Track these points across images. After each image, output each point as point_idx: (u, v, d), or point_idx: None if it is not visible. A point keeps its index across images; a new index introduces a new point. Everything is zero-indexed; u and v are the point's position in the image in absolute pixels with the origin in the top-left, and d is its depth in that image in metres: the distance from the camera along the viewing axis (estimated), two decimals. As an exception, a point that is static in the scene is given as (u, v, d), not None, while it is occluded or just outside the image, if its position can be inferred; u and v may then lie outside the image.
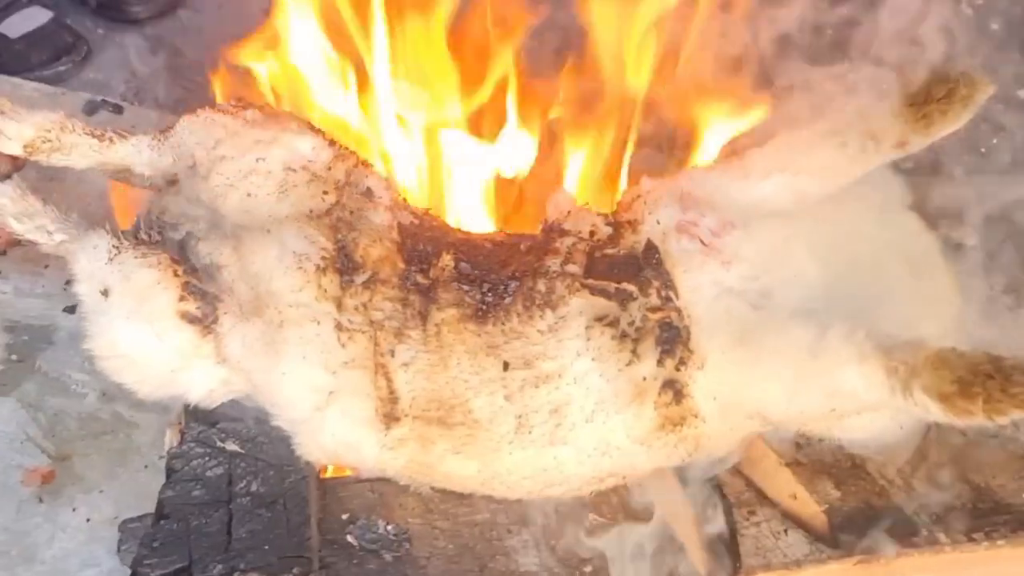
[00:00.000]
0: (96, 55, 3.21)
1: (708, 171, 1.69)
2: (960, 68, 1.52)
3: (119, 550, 1.78)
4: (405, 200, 1.81)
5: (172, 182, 1.76)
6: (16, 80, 2.83)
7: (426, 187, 2.16)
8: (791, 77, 1.88)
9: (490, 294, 1.62)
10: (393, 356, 1.59)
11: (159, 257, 1.66)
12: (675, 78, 2.09)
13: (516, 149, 2.11)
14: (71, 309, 2.23)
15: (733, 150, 1.86)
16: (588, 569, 1.62)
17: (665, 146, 2.22)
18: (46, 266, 2.33)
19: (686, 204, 1.63)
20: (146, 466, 2.01)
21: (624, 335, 1.55)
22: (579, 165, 2.12)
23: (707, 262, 1.58)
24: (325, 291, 1.60)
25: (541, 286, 1.60)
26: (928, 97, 1.50)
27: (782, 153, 1.62)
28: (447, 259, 1.66)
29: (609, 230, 1.68)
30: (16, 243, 2.00)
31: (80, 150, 1.77)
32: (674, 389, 1.54)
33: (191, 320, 1.65)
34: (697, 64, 2.08)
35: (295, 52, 2.08)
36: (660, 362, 1.54)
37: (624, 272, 1.61)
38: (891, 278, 1.60)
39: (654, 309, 1.56)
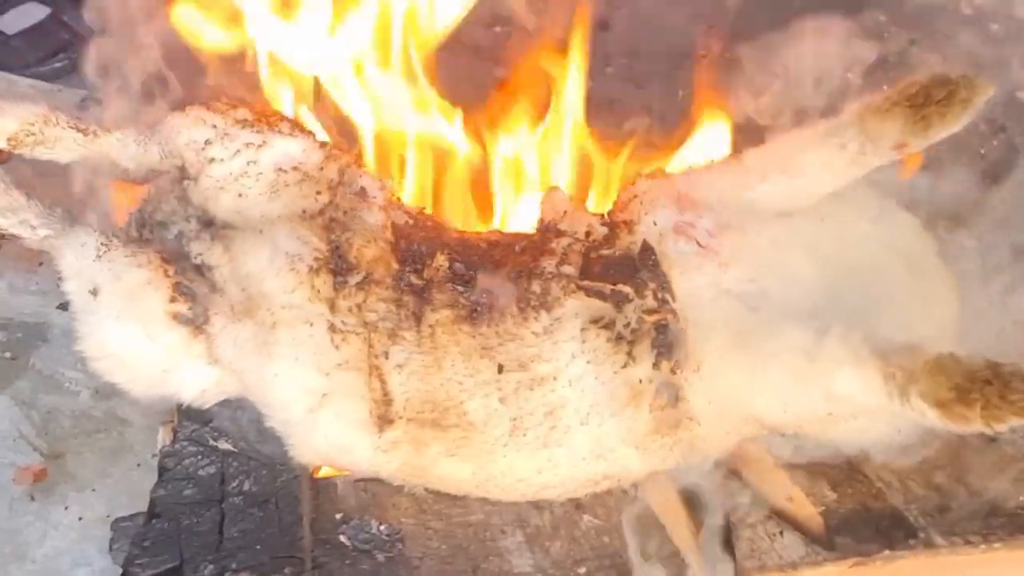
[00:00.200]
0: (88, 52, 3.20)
1: (705, 172, 1.68)
2: (960, 70, 1.51)
3: (111, 549, 1.78)
4: (399, 199, 1.80)
5: (175, 180, 1.75)
6: (12, 76, 2.82)
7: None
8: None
9: (484, 295, 1.61)
10: (387, 358, 1.58)
11: (149, 256, 1.65)
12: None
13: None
14: (65, 306, 2.20)
15: (731, 151, 1.85)
16: (582, 571, 1.61)
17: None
18: (40, 263, 2.33)
19: (683, 205, 1.63)
20: (139, 464, 2.01)
21: (620, 337, 1.54)
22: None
23: (704, 264, 1.57)
24: (318, 292, 1.59)
25: (536, 287, 1.59)
26: (927, 99, 1.48)
27: (780, 154, 1.61)
28: (441, 259, 1.65)
29: (605, 231, 1.67)
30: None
31: (64, 143, 1.75)
32: (669, 392, 1.53)
33: (182, 321, 1.64)
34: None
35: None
36: (656, 365, 1.53)
37: (620, 273, 1.60)
38: (889, 279, 1.59)
39: (650, 311, 1.55)
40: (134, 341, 1.64)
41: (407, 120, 2.05)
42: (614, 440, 1.56)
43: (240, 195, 1.69)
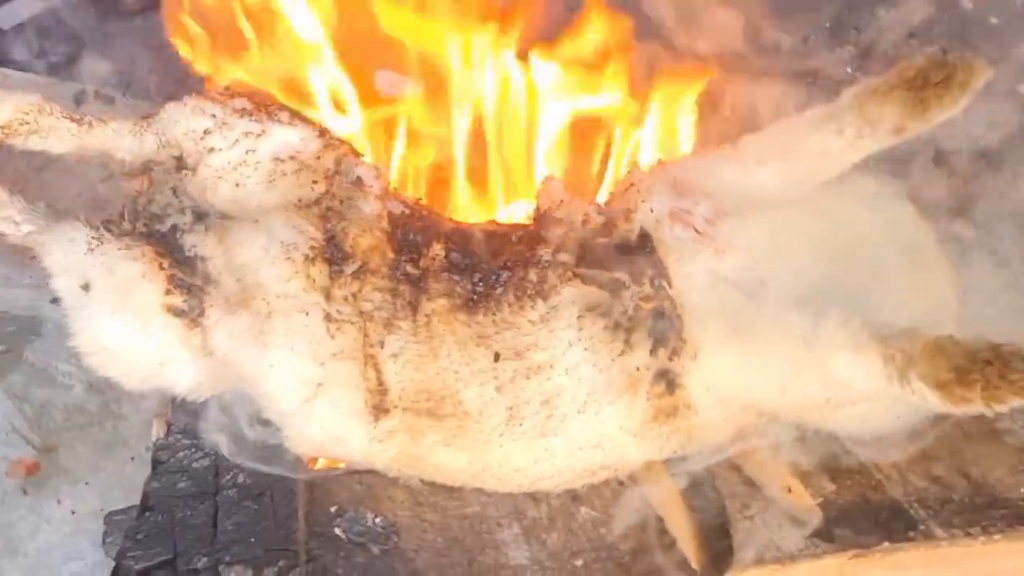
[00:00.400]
0: (89, 46, 3.19)
1: (702, 158, 1.68)
2: (958, 53, 1.50)
3: (104, 542, 1.77)
4: (396, 189, 1.79)
5: (171, 170, 1.73)
6: (6, 71, 2.82)
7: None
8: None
9: (481, 284, 1.60)
10: (383, 347, 1.57)
11: (143, 249, 1.64)
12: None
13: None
14: (59, 300, 2.21)
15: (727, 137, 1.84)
16: (579, 563, 1.60)
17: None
18: (33, 257, 2.31)
19: (680, 192, 1.62)
20: (132, 458, 2.00)
21: (617, 325, 1.53)
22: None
23: (701, 250, 1.56)
24: (314, 281, 1.58)
25: (533, 276, 1.58)
26: (925, 82, 1.48)
27: (777, 140, 1.60)
28: (438, 249, 1.64)
29: (602, 219, 1.66)
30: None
31: (58, 134, 1.74)
32: (667, 380, 1.52)
33: (177, 313, 1.63)
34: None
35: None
36: (653, 352, 1.52)
37: (617, 261, 1.59)
38: (887, 266, 1.58)
39: (647, 298, 1.54)
40: (129, 335, 1.63)
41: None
42: (612, 428, 1.55)
43: (238, 185, 1.69)
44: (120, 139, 1.75)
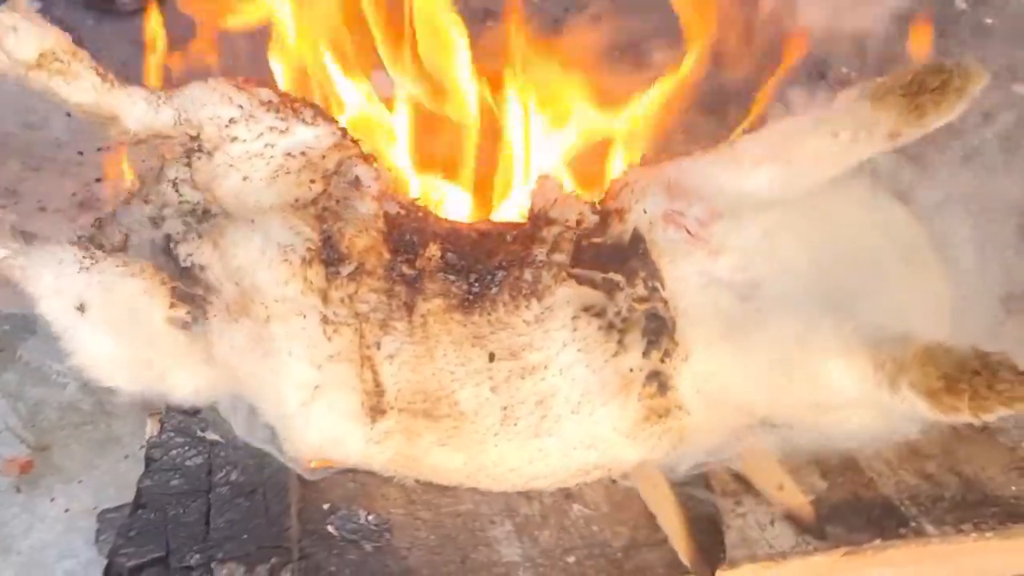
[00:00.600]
0: (85, 46, 3.19)
1: (697, 159, 1.67)
2: (954, 58, 1.51)
3: (97, 540, 1.77)
4: (395, 189, 1.78)
5: (182, 152, 1.73)
6: (2, 70, 2.80)
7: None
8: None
9: (476, 284, 1.60)
10: (379, 348, 1.58)
11: (142, 265, 1.64)
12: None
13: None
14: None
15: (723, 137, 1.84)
16: (571, 560, 1.60)
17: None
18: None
19: (673, 193, 1.62)
20: (126, 456, 1.99)
21: (611, 326, 1.54)
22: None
23: (693, 252, 1.56)
24: (311, 284, 1.58)
25: (528, 276, 1.58)
26: (922, 87, 1.48)
27: (773, 142, 1.60)
28: (433, 249, 1.64)
29: (596, 218, 1.66)
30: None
31: (81, 83, 1.71)
32: (659, 381, 1.53)
33: (181, 326, 1.63)
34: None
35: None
36: (646, 353, 1.52)
37: (611, 261, 1.59)
38: (880, 268, 1.58)
39: (640, 299, 1.54)
40: (130, 349, 1.64)
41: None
42: (605, 429, 1.55)
43: (246, 178, 1.69)
44: (133, 106, 1.72)
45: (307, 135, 1.71)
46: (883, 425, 1.55)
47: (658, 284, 1.55)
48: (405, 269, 1.62)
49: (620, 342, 1.53)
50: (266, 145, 1.69)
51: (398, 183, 1.79)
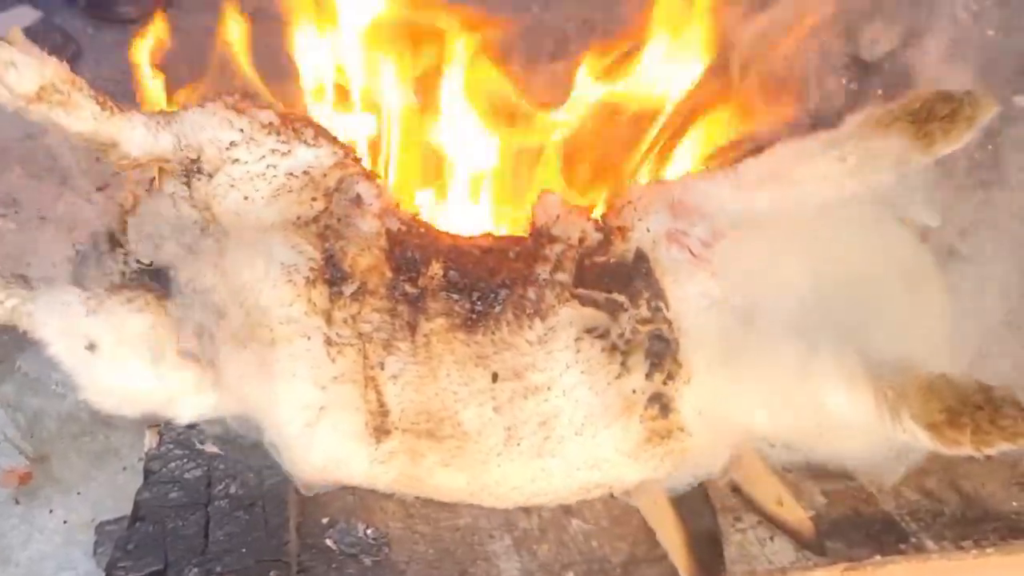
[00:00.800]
0: (85, 55, 3.20)
1: (701, 178, 1.66)
2: (965, 87, 1.50)
3: (95, 552, 1.76)
4: (397, 205, 1.77)
5: (183, 173, 1.72)
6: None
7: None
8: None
9: (480, 303, 1.59)
10: (383, 368, 1.57)
11: (146, 299, 1.64)
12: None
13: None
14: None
15: (727, 158, 1.84)
16: (570, 574, 1.60)
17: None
18: (28, 264, 2.31)
19: (677, 212, 1.61)
20: (125, 468, 1.99)
21: (614, 347, 1.53)
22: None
23: (696, 273, 1.56)
24: (315, 305, 1.58)
25: (531, 294, 1.58)
26: (931, 115, 1.47)
27: (778, 164, 1.59)
28: (436, 267, 1.63)
29: (599, 236, 1.65)
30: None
31: (82, 113, 1.70)
32: (661, 403, 1.53)
33: (192, 357, 1.63)
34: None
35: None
36: (649, 376, 1.52)
37: (614, 281, 1.59)
38: (883, 292, 1.58)
39: (644, 321, 1.54)
40: (143, 383, 1.64)
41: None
42: (608, 450, 1.55)
43: (247, 197, 1.68)
44: (132, 131, 1.71)
45: (309, 155, 1.70)
46: (884, 447, 1.54)
47: (662, 305, 1.54)
48: (408, 288, 1.61)
49: (623, 364, 1.52)
50: (268, 166, 1.68)
51: (399, 198, 1.78)
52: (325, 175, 1.69)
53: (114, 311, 1.62)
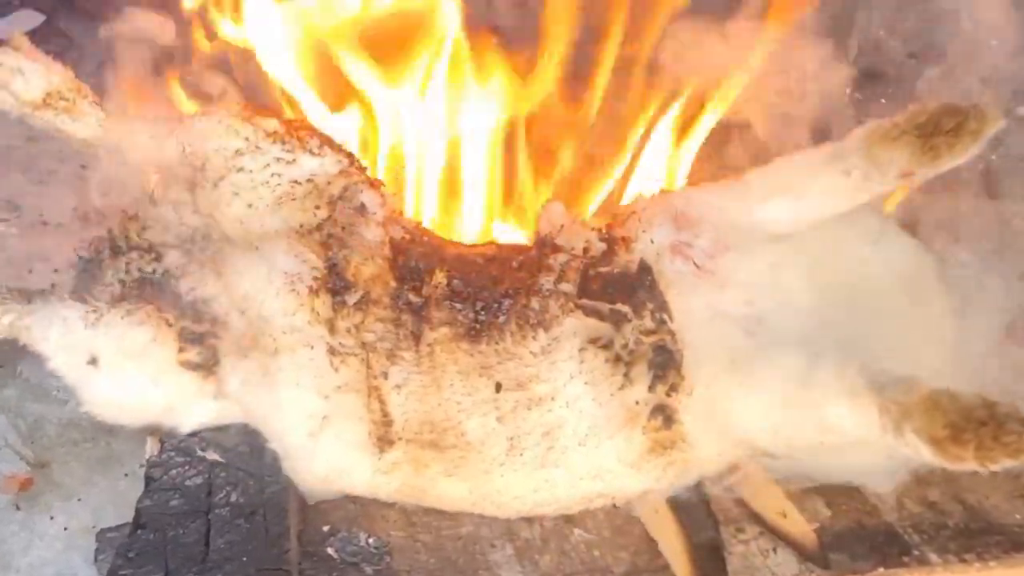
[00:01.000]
0: (87, 60, 3.19)
1: (705, 190, 1.66)
2: (970, 101, 1.49)
3: (96, 559, 1.75)
4: (401, 214, 1.77)
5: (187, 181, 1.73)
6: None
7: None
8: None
9: (483, 312, 1.59)
10: (386, 378, 1.57)
11: (146, 311, 1.63)
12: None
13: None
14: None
15: (731, 169, 1.83)
16: (573, 585, 1.60)
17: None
18: (30, 271, 2.30)
19: (681, 224, 1.61)
20: (126, 474, 1.98)
21: (617, 358, 1.53)
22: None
23: (700, 285, 1.56)
24: (318, 314, 1.58)
25: (535, 304, 1.57)
26: (936, 129, 1.46)
27: (783, 176, 1.58)
28: (440, 276, 1.63)
29: (603, 246, 1.65)
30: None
31: (87, 120, 1.71)
32: (664, 414, 1.52)
33: (193, 368, 1.63)
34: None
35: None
36: (652, 387, 1.52)
37: (618, 292, 1.59)
38: (888, 304, 1.57)
39: (648, 332, 1.54)
40: (145, 394, 1.65)
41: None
42: (611, 461, 1.55)
43: (250, 205, 1.68)
44: (136, 139, 1.73)
45: (313, 164, 1.70)
46: (887, 459, 1.53)
47: (666, 316, 1.54)
48: (411, 297, 1.61)
49: (626, 375, 1.52)
50: (272, 174, 1.68)
51: (403, 207, 1.78)
52: (329, 183, 1.69)
53: (114, 324, 1.62)
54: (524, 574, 1.61)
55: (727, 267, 1.56)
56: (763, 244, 1.57)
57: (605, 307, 1.56)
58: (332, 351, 1.57)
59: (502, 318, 1.58)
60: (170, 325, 1.62)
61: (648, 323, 1.54)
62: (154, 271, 1.69)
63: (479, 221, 2.11)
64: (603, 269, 1.61)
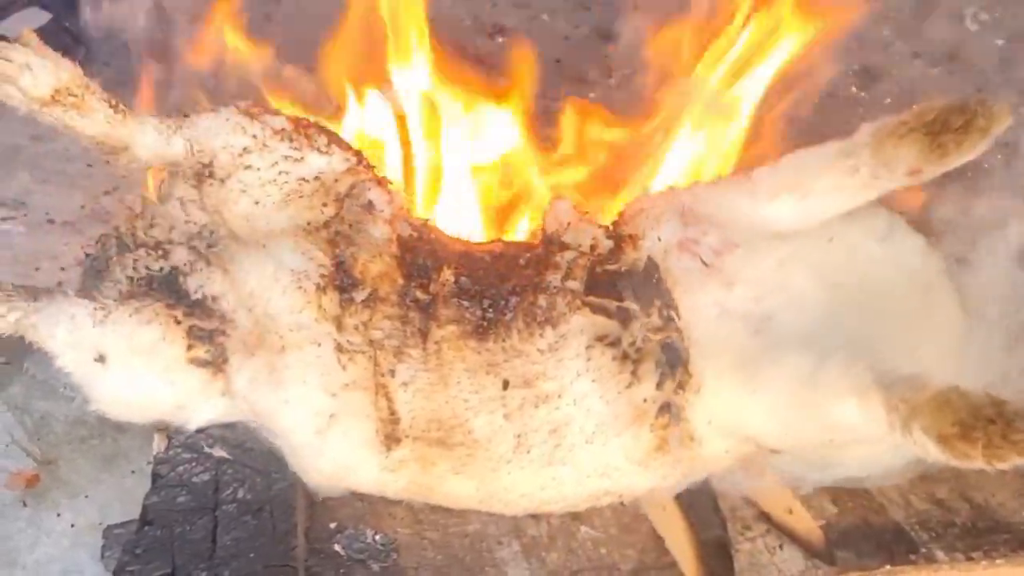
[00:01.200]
0: (95, 57, 3.19)
1: (712, 187, 1.65)
2: (979, 98, 1.48)
3: (103, 556, 1.76)
4: (408, 211, 1.77)
5: (194, 177, 1.72)
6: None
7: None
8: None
9: (491, 310, 1.59)
10: (393, 376, 1.57)
11: (154, 308, 1.63)
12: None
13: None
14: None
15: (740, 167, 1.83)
16: (579, 582, 1.60)
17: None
18: (37, 269, 2.31)
19: (688, 221, 1.60)
20: (133, 471, 1.99)
21: (625, 356, 1.53)
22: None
23: (708, 282, 1.55)
24: (325, 311, 1.57)
25: (542, 301, 1.57)
26: (945, 126, 1.45)
27: (791, 173, 1.57)
28: (447, 274, 1.62)
29: (610, 244, 1.65)
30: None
31: (95, 116, 1.70)
32: (671, 412, 1.52)
33: (202, 364, 1.63)
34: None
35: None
36: (659, 385, 1.51)
37: (625, 289, 1.58)
38: (895, 302, 1.57)
39: (655, 329, 1.53)
40: (151, 390, 1.64)
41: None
42: (618, 458, 1.54)
43: (257, 202, 1.68)
44: (144, 135, 1.71)
45: (321, 162, 1.70)
46: (895, 457, 1.53)
47: (673, 314, 1.54)
48: (419, 294, 1.61)
49: (634, 373, 1.52)
50: (280, 172, 1.68)
51: (411, 204, 1.78)
52: (337, 181, 1.69)
53: (122, 322, 1.61)
54: (531, 571, 1.62)
55: (735, 264, 1.55)
56: (771, 242, 1.56)
57: (612, 304, 1.56)
58: (339, 348, 1.56)
59: (509, 315, 1.57)
60: (178, 323, 1.62)
61: (655, 320, 1.53)
62: (161, 269, 1.69)
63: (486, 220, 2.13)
64: (610, 266, 1.61)
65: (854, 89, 2.61)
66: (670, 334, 1.52)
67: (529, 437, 1.54)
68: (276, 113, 1.74)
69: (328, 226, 1.65)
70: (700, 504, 1.64)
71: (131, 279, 1.70)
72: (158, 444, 1.78)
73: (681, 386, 1.51)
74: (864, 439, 1.43)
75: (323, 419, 1.56)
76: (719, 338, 1.52)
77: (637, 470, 1.55)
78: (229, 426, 1.72)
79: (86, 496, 1.95)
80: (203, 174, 1.70)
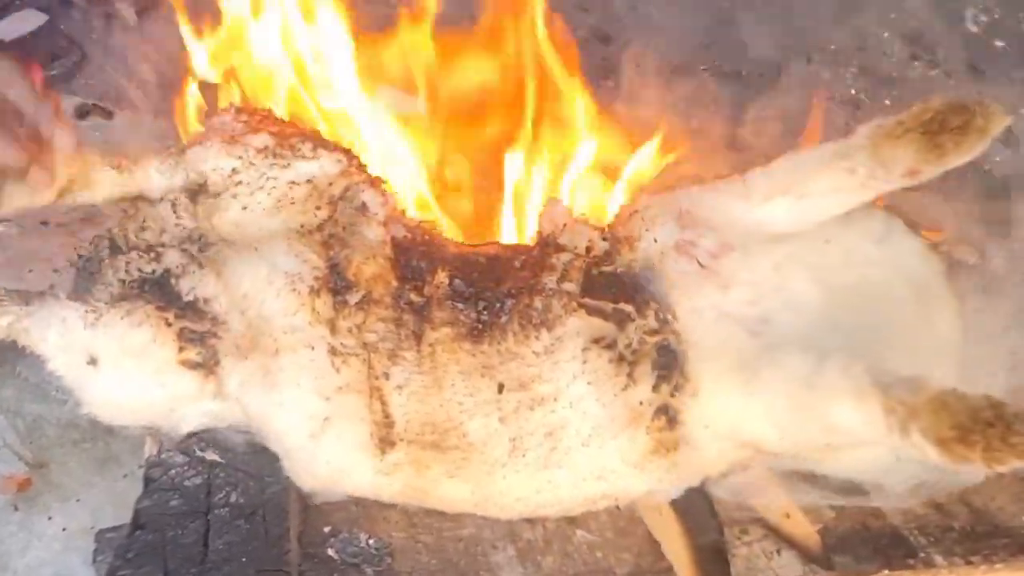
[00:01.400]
0: (90, 60, 3.19)
1: (709, 189, 1.64)
2: (977, 98, 1.48)
3: (94, 560, 1.74)
4: (403, 213, 1.76)
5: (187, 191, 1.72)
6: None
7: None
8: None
9: (485, 312, 1.58)
10: (388, 379, 1.56)
11: (145, 311, 1.62)
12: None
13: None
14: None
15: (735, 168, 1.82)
16: (575, 586, 1.58)
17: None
18: (30, 271, 2.30)
19: (684, 223, 1.60)
20: (125, 475, 1.98)
21: (621, 358, 1.52)
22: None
23: (705, 285, 1.55)
24: (319, 314, 1.57)
25: (538, 304, 1.56)
26: (943, 126, 1.44)
27: (787, 175, 1.57)
28: (441, 276, 1.62)
29: (606, 246, 1.64)
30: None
31: (103, 186, 1.70)
32: (667, 415, 1.51)
33: (193, 367, 1.61)
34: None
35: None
36: (656, 387, 1.51)
37: (621, 291, 1.57)
38: (893, 304, 1.56)
39: (651, 332, 1.53)
40: (146, 394, 1.63)
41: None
42: (614, 461, 1.54)
43: (245, 208, 1.67)
44: (150, 181, 1.72)
45: (312, 168, 1.70)
46: (893, 461, 1.52)
47: (670, 316, 1.53)
48: (413, 297, 1.60)
49: (630, 375, 1.51)
50: (268, 179, 1.68)
51: (404, 205, 1.77)
52: (330, 184, 1.69)
53: (114, 324, 1.60)
54: (526, 575, 1.61)
55: (731, 267, 1.55)
56: (767, 243, 1.55)
57: (608, 307, 1.55)
58: (333, 351, 1.56)
59: (504, 318, 1.57)
60: (169, 325, 1.61)
61: (652, 323, 1.53)
62: (153, 271, 1.68)
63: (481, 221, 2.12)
64: (606, 268, 1.60)
65: (852, 91, 2.61)
66: (666, 336, 1.52)
67: (524, 440, 1.53)
68: (256, 131, 1.73)
69: (322, 229, 1.65)
70: (696, 508, 1.63)
71: (123, 281, 1.69)
72: (150, 448, 1.77)
73: (678, 389, 1.50)
74: (863, 442, 1.42)
75: (317, 422, 1.56)
76: (716, 340, 1.51)
77: (633, 473, 1.54)
78: (222, 430, 1.71)
79: (78, 500, 1.94)
80: (197, 192, 1.70)
